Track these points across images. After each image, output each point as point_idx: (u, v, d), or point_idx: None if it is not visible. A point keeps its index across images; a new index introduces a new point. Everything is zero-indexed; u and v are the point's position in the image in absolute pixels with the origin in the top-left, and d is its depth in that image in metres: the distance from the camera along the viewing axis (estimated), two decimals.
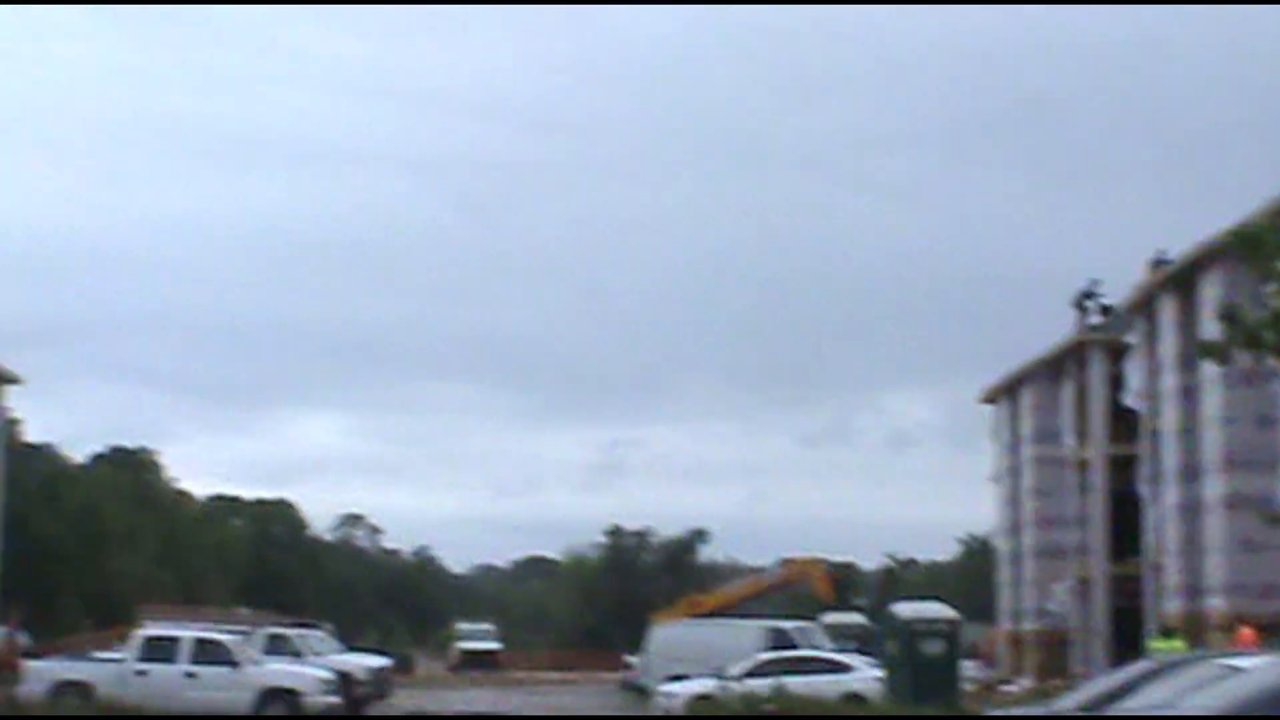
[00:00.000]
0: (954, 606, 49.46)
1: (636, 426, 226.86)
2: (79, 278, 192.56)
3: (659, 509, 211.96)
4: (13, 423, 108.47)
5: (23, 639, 69.84)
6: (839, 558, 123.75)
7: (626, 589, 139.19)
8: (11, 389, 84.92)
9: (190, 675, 45.02)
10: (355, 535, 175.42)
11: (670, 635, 64.81)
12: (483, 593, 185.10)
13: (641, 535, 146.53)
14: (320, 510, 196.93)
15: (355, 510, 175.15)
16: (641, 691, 62.60)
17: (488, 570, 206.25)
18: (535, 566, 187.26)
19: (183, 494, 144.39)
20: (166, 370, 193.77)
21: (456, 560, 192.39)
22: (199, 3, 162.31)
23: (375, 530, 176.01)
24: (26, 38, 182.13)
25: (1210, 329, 43.41)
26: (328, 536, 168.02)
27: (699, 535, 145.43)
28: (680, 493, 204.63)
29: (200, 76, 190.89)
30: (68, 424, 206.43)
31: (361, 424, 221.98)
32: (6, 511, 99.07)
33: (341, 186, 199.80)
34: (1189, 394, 59.84)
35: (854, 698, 47.67)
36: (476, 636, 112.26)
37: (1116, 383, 74.14)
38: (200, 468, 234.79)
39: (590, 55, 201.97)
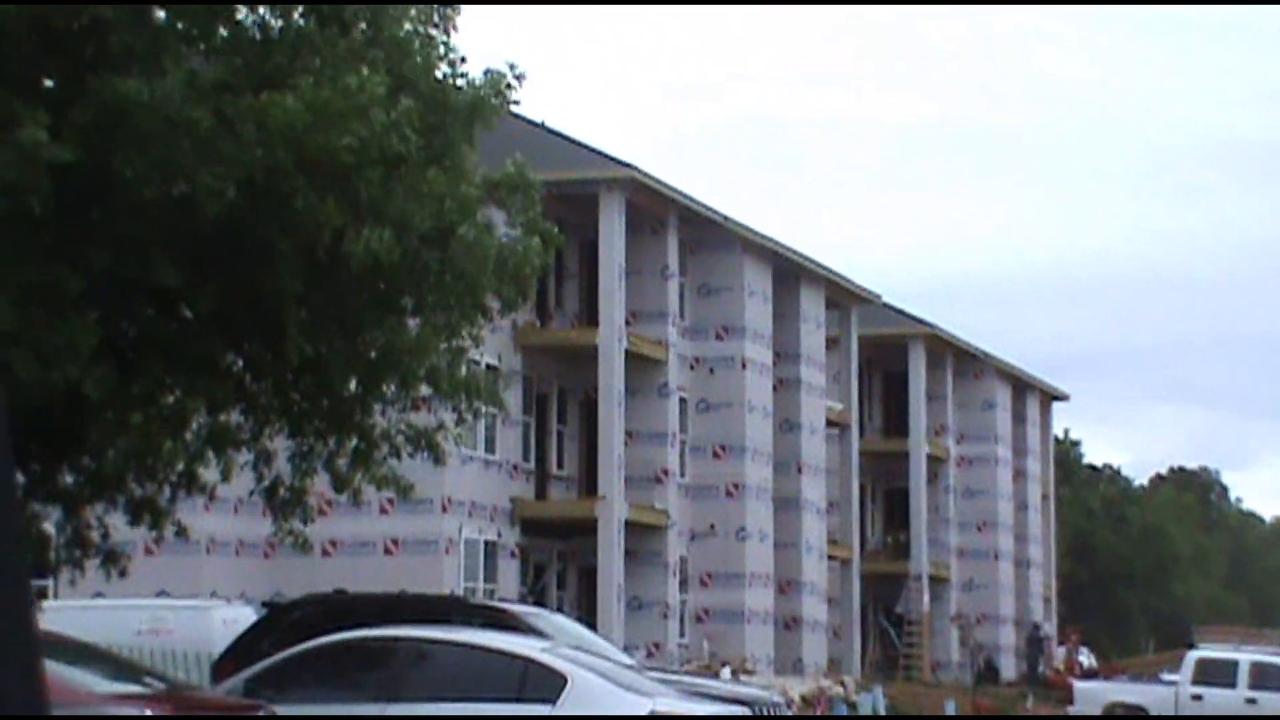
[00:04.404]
0: None
1: None
2: (1142, 302, 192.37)
3: None
4: (1072, 444, 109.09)
5: (1085, 659, 69.78)
6: None
7: None
8: (1060, 406, 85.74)
9: (1250, 701, 43.04)
10: None
11: None
12: None
13: None
14: None
15: None
16: None
17: None
18: None
19: (1249, 516, 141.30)
20: (1233, 393, 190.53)
21: None
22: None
23: None
24: (1087, 70, 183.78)
25: None
26: None
27: None
28: None
29: (1255, 91, 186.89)
30: (1131, 447, 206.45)
31: None
32: (1072, 531, 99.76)
33: None
34: None
35: None
36: None
37: None
38: (1269, 490, 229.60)
39: None
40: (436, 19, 21.80)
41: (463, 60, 21.98)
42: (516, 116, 46.09)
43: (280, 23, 21.36)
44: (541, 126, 50.42)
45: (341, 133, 19.52)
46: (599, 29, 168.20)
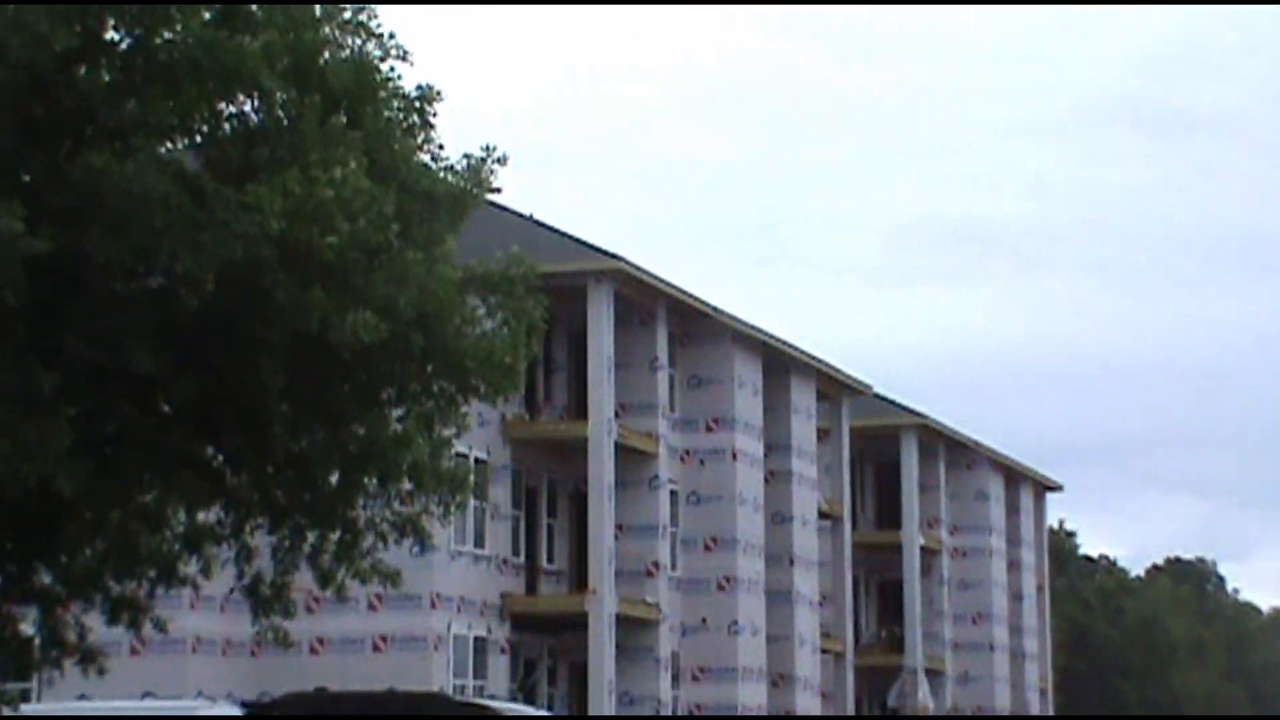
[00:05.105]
0: None
1: None
2: (1136, 393, 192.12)
3: None
4: (1066, 535, 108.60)
5: None
6: None
7: None
8: (1055, 497, 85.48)
9: None
10: None
11: None
12: None
13: None
14: None
15: None
16: None
17: None
18: None
19: (1246, 606, 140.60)
20: (1229, 483, 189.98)
21: None
22: None
23: None
24: (1080, 165, 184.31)
25: None
26: None
27: None
28: None
29: (1250, 186, 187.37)
30: (1126, 538, 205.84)
31: None
32: (1068, 623, 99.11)
33: None
34: None
35: None
36: None
37: None
38: (1267, 580, 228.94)
39: None
40: (417, 106, 21.57)
41: (440, 148, 21.75)
42: (504, 209, 46.04)
43: (259, 116, 21.14)
44: (529, 219, 50.31)
45: (324, 231, 19.28)
46: (586, 121, 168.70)
